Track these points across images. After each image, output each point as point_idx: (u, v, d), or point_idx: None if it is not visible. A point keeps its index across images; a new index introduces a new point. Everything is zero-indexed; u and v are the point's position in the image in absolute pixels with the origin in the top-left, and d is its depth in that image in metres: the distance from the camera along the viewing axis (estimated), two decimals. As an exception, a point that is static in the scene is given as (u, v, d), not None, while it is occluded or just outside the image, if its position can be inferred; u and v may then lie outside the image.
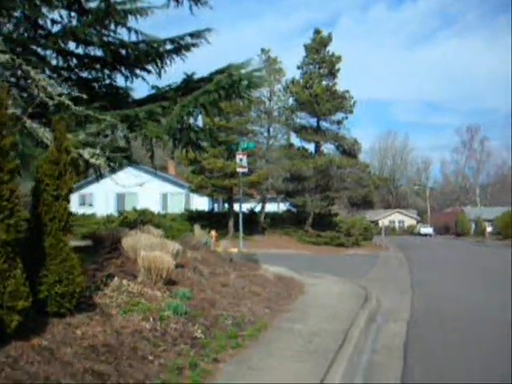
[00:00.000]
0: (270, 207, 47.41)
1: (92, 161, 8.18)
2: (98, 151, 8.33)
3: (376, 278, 18.31)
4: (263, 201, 44.26)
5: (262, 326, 8.40)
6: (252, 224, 37.56)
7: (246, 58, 10.09)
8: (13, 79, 9.09)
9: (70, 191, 6.31)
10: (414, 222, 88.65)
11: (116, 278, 8.10)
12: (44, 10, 9.52)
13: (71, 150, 6.60)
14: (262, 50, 44.46)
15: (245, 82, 9.88)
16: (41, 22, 9.84)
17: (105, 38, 10.25)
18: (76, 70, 10.76)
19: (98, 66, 10.85)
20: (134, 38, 10.47)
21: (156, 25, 12.02)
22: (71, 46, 10.24)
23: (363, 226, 43.31)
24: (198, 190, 37.63)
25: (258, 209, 44.13)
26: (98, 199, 42.67)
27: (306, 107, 40.70)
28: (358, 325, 9.03)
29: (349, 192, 41.98)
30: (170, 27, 23.99)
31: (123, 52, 10.55)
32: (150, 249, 9.22)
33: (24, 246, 5.77)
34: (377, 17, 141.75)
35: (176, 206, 42.44)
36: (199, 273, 10.74)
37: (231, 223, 36.18)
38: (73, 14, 10.01)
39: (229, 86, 9.77)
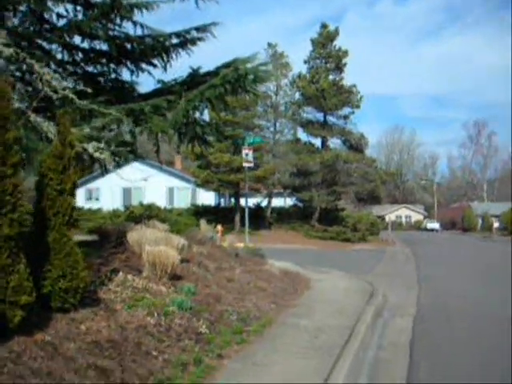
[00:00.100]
0: (277, 202, 47.35)
1: (96, 155, 8.16)
2: (102, 145, 8.31)
3: (382, 273, 18.24)
4: (269, 195, 44.24)
5: (267, 321, 8.37)
6: (258, 219, 37.56)
7: (252, 53, 10.04)
8: (18, 73, 9.09)
9: (74, 185, 6.28)
10: (420, 217, 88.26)
11: (121, 273, 8.09)
12: (50, 3, 9.51)
13: (75, 144, 6.57)
14: (269, 45, 44.54)
15: (251, 77, 9.81)
16: (46, 15, 9.81)
17: (110, 32, 10.21)
18: (81, 64, 10.73)
19: (103, 60, 10.81)
20: (139, 32, 10.43)
21: (162, 20, 11.98)
22: (77, 40, 10.24)
23: (370, 221, 43.11)
24: (205, 184, 37.60)
25: (264, 204, 44.09)
26: (105, 194, 42.70)
27: (312, 102, 40.53)
28: (364, 320, 8.99)
29: (355, 187, 41.85)
30: (175, 23, 24.00)
31: (129, 46, 10.51)
32: (154, 243, 9.19)
33: (28, 241, 5.75)
34: (383, 12, 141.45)
35: (182, 201, 42.45)
36: (204, 268, 10.71)
37: (237, 218, 36.17)
38: (78, 7, 9.98)
39: (235, 80, 9.70)
